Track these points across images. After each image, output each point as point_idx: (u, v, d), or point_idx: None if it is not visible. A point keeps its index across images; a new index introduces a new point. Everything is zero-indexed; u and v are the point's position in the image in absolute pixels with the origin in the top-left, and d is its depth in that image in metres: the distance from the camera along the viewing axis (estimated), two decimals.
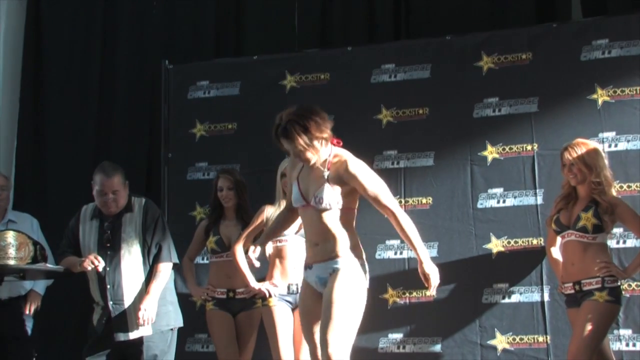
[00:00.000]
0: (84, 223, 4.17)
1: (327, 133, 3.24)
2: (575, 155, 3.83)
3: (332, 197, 3.25)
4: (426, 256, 3.27)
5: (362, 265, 3.32)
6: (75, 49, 5.92)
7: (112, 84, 5.83)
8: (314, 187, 3.29)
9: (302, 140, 3.19)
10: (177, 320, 4.22)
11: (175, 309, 4.22)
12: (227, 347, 4.36)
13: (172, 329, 4.17)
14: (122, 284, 4.04)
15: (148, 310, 3.98)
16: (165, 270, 4.10)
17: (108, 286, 4.04)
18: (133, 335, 4.03)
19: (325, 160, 3.29)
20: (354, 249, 3.33)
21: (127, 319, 4.03)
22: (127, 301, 4.04)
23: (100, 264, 3.97)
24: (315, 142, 3.22)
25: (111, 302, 4.04)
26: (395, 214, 3.28)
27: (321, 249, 3.31)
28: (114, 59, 5.85)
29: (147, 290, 4.03)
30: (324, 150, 3.27)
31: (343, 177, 3.26)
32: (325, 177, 3.26)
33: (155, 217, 4.14)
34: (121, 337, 4.03)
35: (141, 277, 4.08)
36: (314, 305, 3.34)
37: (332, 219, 3.29)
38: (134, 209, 4.12)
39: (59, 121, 5.81)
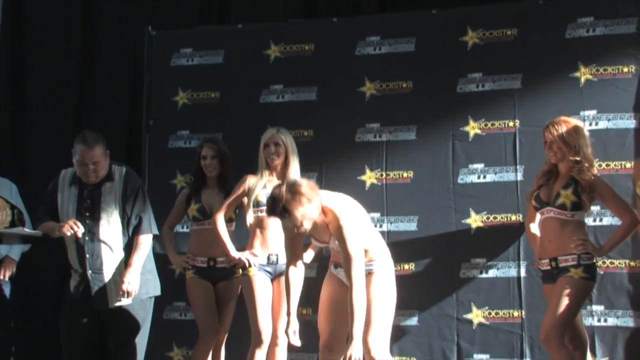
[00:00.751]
0: (63, 189, 4.11)
1: (318, 200, 3.50)
2: (555, 133, 3.84)
3: None
4: (359, 335, 3.43)
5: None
6: (56, 15, 5.81)
7: (94, 50, 5.74)
8: (325, 236, 3.66)
9: (300, 216, 3.45)
10: (155, 288, 4.22)
11: (154, 277, 4.22)
12: (206, 316, 4.38)
13: (150, 297, 4.18)
14: (101, 254, 4.02)
15: (132, 283, 3.97)
16: (146, 241, 4.09)
17: (87, 255, 4.02)
18: (112, 305, 4.02)
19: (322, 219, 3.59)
20: (383, 248, 3.71)
21: (106, 289, 4.02)
22: (106, 271, 4.02)
23: (80, 230, 3.93)
24: (312, 214, 3.49)
25: (90, 272, 4.02)
26: (353, 285, 3.47)
27: None
28: (96, 25, 5.77)
29: (129, 263, 4.02)
30: (316, 213, 3.54)
31: (335, 230, 3.56)
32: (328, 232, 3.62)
33: (135, 187, 4.10)
34: (100, 307, 4.02)
35: (120, 248, 4.06)
36: (343, 295, 3.56)
37: None
38: (114, 178, 4.08)
39: (39, 87, 5.73)
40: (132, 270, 3.99)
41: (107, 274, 4.02)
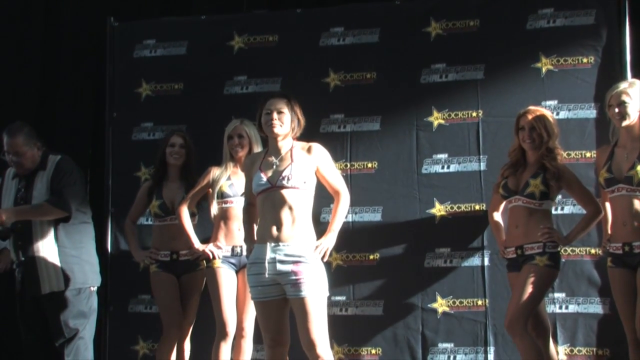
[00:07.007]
0: (7, 183, 4.25)
1: (301, 124, 3.66)
2: (538, 120, 3.88)
3: (299, 175, 3.55)
4: (336, 229, 3.60)
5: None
6: (17, 5, 5.72)
7: (56, 42, 5.66)
8: (284, 164, 3.58)
9: (288, 108, 3.61)
10: (94, 279, 4.28)
11: (93, 269, 4.29)
12: (170, 309, 4.36)
13: (90, 289, 4.23)
14: (32, 240, 4.10)
15: (3, 213, 4.00)
16: (45, 207, 4.08)
17: (19, 242, 4.12)
18: (44, 290, 4.09)
19: (290, 149, 3.63)
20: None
21: (38, 276, 4.09)
22: (38, 258, 4.09)
23: None
24: (295, 121, 3.62)
25: (23, 259, 4.11)
26: (342, 196, 3.67)
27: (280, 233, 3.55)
28: (58, 16, 5.68)
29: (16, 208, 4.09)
30: (289, 139, 3.64)
31: (307, 155, 3.62)
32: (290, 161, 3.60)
33: (64, 170, 4.16)
34: (33, 292, 4.10)
35: (51, 233, 4.11)
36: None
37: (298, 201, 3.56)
38: (46, 167, 4.17)
39: None
40: (11, 209, 4.06)
41: (39, 261, 4.09)
